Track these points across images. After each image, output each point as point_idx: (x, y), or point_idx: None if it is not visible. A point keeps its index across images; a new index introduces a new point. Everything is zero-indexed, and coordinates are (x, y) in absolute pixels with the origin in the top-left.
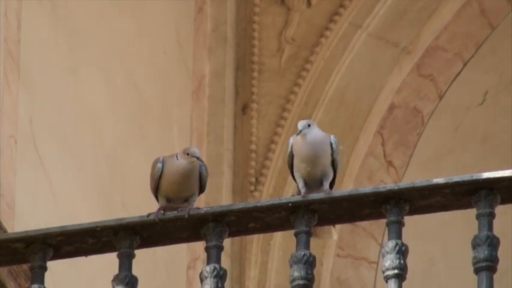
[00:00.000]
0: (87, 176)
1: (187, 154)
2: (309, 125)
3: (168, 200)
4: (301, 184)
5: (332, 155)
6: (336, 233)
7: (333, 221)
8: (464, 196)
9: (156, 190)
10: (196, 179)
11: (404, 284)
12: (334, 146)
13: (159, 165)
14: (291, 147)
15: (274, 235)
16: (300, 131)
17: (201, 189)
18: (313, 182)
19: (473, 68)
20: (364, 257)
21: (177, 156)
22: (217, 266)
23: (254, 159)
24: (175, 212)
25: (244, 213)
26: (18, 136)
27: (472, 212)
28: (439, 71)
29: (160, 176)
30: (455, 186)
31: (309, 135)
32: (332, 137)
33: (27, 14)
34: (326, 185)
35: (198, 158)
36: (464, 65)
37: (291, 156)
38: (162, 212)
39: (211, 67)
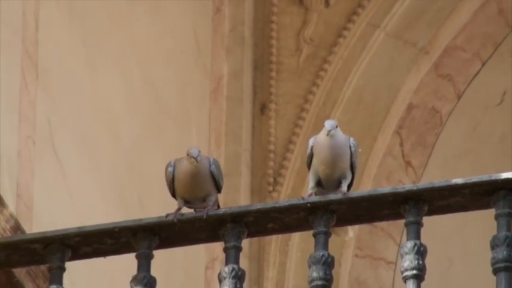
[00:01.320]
0: (105, 177)
1: (188, 155)
2: (336, 126)
3: (186, 201)
4: (311, 184)
5: (351, 158)
6: (351, 232)
7: (352, 222)
8: (483, 196)
9: (173, 192)
10: (208, 179)
11: (422, 284)
12: (353, 149)
13: (170, 169)
14: (311, 149)
15: (292, 236)
16: (329, 131)
17: (218, 187)
18: (330, 183)
19: (492, 68)
20: (383, 257)
21: (183, 159)
22: (235, 266)
23: (272, 159)
24: (194, 212)
25: (262, 213)
26: (36, 137)
27: (490, 212)
28: (458, 71)
29: (173, 179)
30: (474, 187)
31: (333, 139)
32: (351, 140)
33: (45, 15)
34: (344, 186)
35: (195, 159)
36: (483, 65)
37: (310, 157)
38: (180, 212)
39: (229, 67)
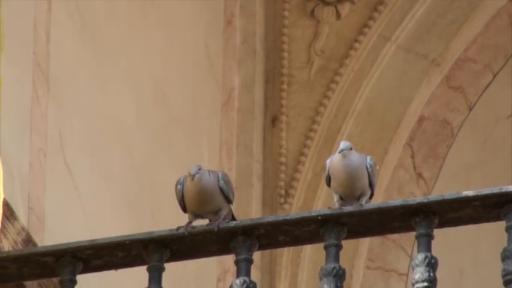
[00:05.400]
0: (117, 189)
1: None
2: (350, 148)
3: (197, 215)
4: (336, 198)
5: (369, 177)
6: None
7: (363, 234)
8: (494, 209)
9: (184, 208)
10: (218, 194)
11: None
12: (369, 169)
13: (179, 187)
14: (328, 170)
15: (304, 248)
16: (342, 150)
17: (229, 201)
18: (350, 200)
19: (503, 79)
20: (394, 269)
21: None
22: (247, 279)
23: (284, 171)
24: (205, 225)
25: (273, 226)
26: (48, 149)
27: (502, 224)
28: (469, 83)
29: (183, 196)
30: (484, 199)
31: (347, 159)
32: (368, 159)
33: (56, 28)
34: (362, 201)
35: (193, 176)
36: (494, 76)
37: (328, 178)
38: (191, 225)
39: (240, 79)
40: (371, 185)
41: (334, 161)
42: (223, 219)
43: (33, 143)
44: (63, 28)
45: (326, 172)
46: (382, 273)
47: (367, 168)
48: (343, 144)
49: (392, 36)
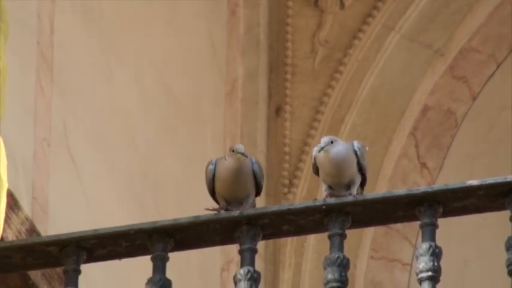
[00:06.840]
0: (120, 179)
1: (233, 151)
2: (331, 142)
3: (227, 202)
4: (324, 187)
5: (358, 162)
6: None
7: (367, 223)
8: (498, 198)
9: (213, 193)
10: (250, 178)
11: (438, 286)
12: (358, 152)
13: (211, 167)
14: (314, 159)
15: (308, 237)
16: (322, 148)
17: (258, 189)
18: (340, 187)
19: (507, 69)
20: (398, 258)
21: (225, 157)
22: (251, 268)
23: (287, 161)
24: (209, 214)
25: (277, 215)
26: (51, 139)
27: (506, 214)
28: (473, 73)
29: (213, 178)
30: (488, 188)
31: (331, 153)
32: (355, 143)
33: (60, 17)
34: (353, 190)
35: (243, 154)
36: (498, 66)
37: (315, 167)
38: (218, 211)
39: (244, 70)
40: (361, 170)
41: (319, 156)
42: (247, 208)
43: (37, 133)
44: (67, 18)
45: (312, 161)
46: (386, 263)
47: (355, 152)
48: (323, 142)
49: (396, 25)
